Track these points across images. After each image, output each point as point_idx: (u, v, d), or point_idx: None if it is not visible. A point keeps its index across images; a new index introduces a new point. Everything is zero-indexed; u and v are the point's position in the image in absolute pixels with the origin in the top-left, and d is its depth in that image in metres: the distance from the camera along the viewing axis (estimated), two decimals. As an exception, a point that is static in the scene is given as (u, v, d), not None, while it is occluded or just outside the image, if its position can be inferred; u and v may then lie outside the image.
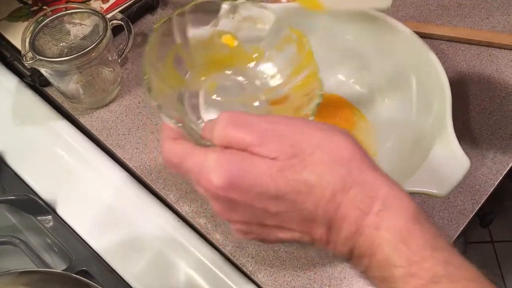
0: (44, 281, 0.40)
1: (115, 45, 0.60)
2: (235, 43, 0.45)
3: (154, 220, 0.52)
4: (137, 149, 0.57)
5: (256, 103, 0.45)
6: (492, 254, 1.29)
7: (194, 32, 0.44)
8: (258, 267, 0.49)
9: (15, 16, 0.65)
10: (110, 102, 0.60)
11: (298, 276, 0.49)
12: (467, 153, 0.42)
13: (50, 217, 0.52)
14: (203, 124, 0.40)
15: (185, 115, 0.42)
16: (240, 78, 0.46)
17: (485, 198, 0.52)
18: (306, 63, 0.43)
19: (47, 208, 0.52)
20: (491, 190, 0.53)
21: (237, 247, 0.50)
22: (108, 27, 0.54)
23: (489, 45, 0.63)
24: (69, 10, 0.57)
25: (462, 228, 0.51)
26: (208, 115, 0.42)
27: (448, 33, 0.64)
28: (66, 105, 0.61)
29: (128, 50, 0.61)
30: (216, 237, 0.51)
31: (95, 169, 0.55)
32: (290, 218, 0.31)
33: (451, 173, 0.41)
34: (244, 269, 0.49)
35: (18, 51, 0.61)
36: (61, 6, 0.59)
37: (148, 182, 0.54)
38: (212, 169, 0.31)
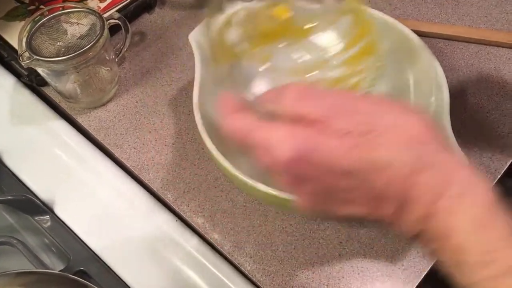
0: (41, 282, 0.40)
1: (113, 44, 0.60)
2: (289, 14, 0.43)
3: (151, 220, 0.52)
4: (134, 148, 0.57)
5: (309, 76, 0.43)
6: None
7: (247, 4, 0.42)
8: (257, 267, 0.49)
9: (12, 16, 0.65)
10: (108, 101, 0.60)
11: (297, 275, 0.49)
12: (465, 152, 0.42)
13: (47, 217, 0.52)
14: (256, 97, 0.38)
15: (238, 88, 0.40)
16: (293, 51, 0.44)
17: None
18: (362, 35, 0.41)
19: (45, 208, 0.52)
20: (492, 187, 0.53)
21: (235, 247, 0.50)
22: (105, 27, 0.54)
23: (487, 43, 0.63)
24: (66, 9, 0.57)
25: (460, 227, 0.51)
26: (261, 87, 0.41)
27: (446, 31, 0.64)
28: (64, 104, 0.60)
29: (125, 49, 0.61)
30: (214, 237, 0.51)
31: (93, 169, 0.55)
32: (360, 195, 0.30)
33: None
34: (242, 269, 0.49)
35: (15, 51, 0.60)
36: (58, 6, 0.59)
37: (146, 181, 0.54)
38: (280, 145, 0.30)
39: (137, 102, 0.60)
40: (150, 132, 0.58)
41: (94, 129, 0.58)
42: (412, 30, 0.50)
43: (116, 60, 0.60)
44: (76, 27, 0.57)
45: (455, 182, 0.29)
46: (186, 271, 0.49)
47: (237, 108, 0.33)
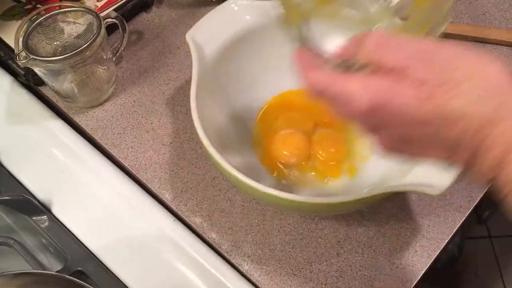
0: (38, 282, 0.40)
1: (110, 43, 0.60)
2: None
3: (149, 220, 0.52)
4: (132, 148, 0.56)
5: (378, 25, 0.43)
6: (490, 249, 1.29)
7: None
8: (254, 266, 0.49)
9: (8, 15, 0.64)
10: (105, 101, 0.60)
11: (295, 275, 0.49)
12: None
13: (45, 217, 0.52)
14: (332, 51, 0.38)
15: (312, 45, 0.41)
16: (358, 3, 0.44)
17: (481, 196, 0.52)
18: None
19: (42, 208, 0.52)
20: (487, 187, 0.53)
21: (233, 246, 0.50)
22: (102, 26, 0.54)
23: (486, 41, 0.63)
24: (62, 8, 0.56)
25: (459, 225, 0.51)
26: (333, 43, 0.41)
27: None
28: (61, 104, 0.60)
29: (122, 48, 0.61)
30: (212, 236, 0.51)
31: (90, 169, 0.55)
32: (434, 143, 0.32)
33: (446, 172, 0.41)
34: (240, 268, 0.49)
35: (12, 50, 0.60)
36: (55, 5, 0.58)
37: (144, 181, 0.54)
38: (357, 96, 0.31)
39: (134, 101, 0.60)
40: (147, 131, 0.58)
41: (92, 128, 0.58)
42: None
43: (114, 59, 0.60)
44: (73, 26, 0.57)
45: None
46: (184, 271, 0.49)
47: (313, 63, 0.35)
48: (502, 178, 0.30)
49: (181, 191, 0.53)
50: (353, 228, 0.51)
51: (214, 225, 0.51)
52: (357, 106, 0.31)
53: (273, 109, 0.56)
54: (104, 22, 0.56)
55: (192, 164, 0.55)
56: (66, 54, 0.52)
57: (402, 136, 0.32)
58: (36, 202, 0.52)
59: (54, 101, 0.61)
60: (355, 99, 0.31)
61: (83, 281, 0.48)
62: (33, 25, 0.54)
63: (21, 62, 0.52)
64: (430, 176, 0.41)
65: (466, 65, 0.31)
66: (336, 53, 0.35)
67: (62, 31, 0.57)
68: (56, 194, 0.54)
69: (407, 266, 0.49)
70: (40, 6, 0.64)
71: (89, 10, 0.55)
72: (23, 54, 0.52)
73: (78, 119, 0.59)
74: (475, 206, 0.52)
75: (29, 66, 0.53)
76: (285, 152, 0.53)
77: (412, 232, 0.50)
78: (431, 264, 0.49)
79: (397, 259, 0.49)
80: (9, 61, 0.61)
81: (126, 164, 0.55)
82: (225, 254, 0.50)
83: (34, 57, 0.52)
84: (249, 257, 0.49)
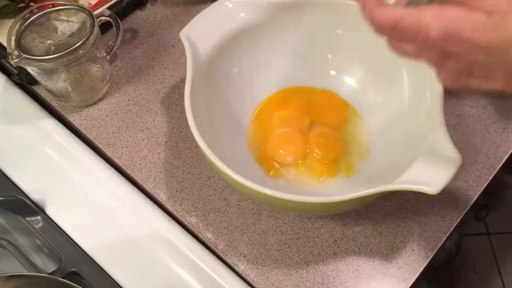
0: (31, 285, 0.39)
1: (104, 42, 0.59)
2: None
3: (144, 220, 0.51)
4: (126, 147, 0.56)
5: None
6: (488, 246, 1.29)
7: None
8: (250, 266, 0.49)
9: (1, 13, 0.64)
10: (99, 100, 0.60)
11: (291, 274, 0.48)
12: (460, 148, 0.42)
13: (39, 217, 0.52)
14: None
15: None
16: None
17: (478, 194, 0.52)
18: None
19: (36, 209, 0.52)
20: (485, 185, 0.53)
21: (229, 246, 0.50)
22: (96, 24, 0.54)
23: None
24: (55, 7, 0.56)
25: (456, 224, 0.51)
26: None
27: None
28: (55, 103, 0.60)
29: (117, 47, 0.60)
30: (208, 236, 0.50)
31: (84, 169, 0.55)
32: (497, 69, 0.34)
33: (443, 170, 0.40)
34: (236, 268, 0.49)
35: (5, 49, 0.59)
36: (48, 3, 0.57)
37: (138, 181, 0.54)
38: (429, 25, 0.33)
39: (129, 100, 0.60)
40: (142, 130, 0.57)
41: (86, 128, 0.58)
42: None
43: (108, 58, 0.60)
44: (66, 24, 0.57)
45: None
46: (179, 271, 0.48)
47: (381, 3, 0.37)
48: None
49: (176, 191, 0.53)
50: (350, 227, 0.50)
51: (209, 224, 0.51)
52: (430, 34, 0.33)
53: (268, 107, 0.56)
54: (98, 20, 0.55)
55: (187, 163, 0.55)
56: (59, 53, 0.51)
57: (468, 64, 0.35)
58: (30, 203, 0.52)
59: (48, 100, 0.60)
60: (429, 27, 0.33)
61: (78, 282, 0.47)
62: (26, 23, 0.54)
63: (14, 61, 0.51)
64: (427, 175, 0.41)
65: None
66: None
67: (55, 29, 0.57)
68: (50, 195, 0.53)
69: (404, 265, 0.48)
70: (33, 4, 0.63)
71: (82, 8, 0.55)
72: (16, 53, 0.51)
73: (72, 119, 0.58)
74: (473, 204, 0.52)
75: (21, 65, 0.52)
76: (281, 151, 0.53)
77: (409, 231, 0.50)
78: (428, 263, 0.49)
79: (394, 258, 0.49)
80: (2, 60, 0.60)
81: (120, 163, 0.55)
82: (221, 254, 0.49)
83: (26, 56, 0.51)
84: (245, 257, 0.49)
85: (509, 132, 0.56)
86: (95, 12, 0.58)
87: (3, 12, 0.64)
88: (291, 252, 0.49)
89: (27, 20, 0.54)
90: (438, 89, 0.46)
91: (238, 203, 0.52)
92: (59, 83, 0.57)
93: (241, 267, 0.49)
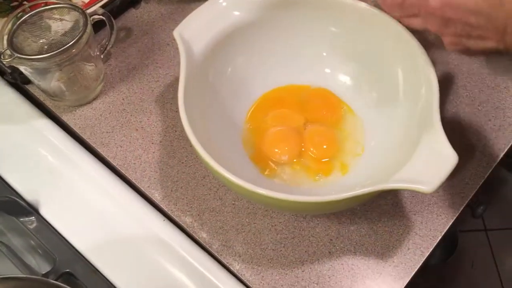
0: (23, 287, 0.39)
1: (98, 40, 0.59)
2: None
3: (139, 219, 0.51)
4: (121, 147, 0.56)
5: None
6: (486, 242, 1.29)
7: None
8: (245, 266, 0.48)
9: (-6, 12, 0.63)
10: (93, 99, 0.59)
11: (286, 274, 0.48)
12: (456, 146, 0.41)
13: (33, 218, 0.51)
14: None
15: None
16: None
17: (474, 192, 0.52)
18: None
19: (30, 209, 0.51)
20: (481, 183, 0.52)
21: (224, 246, 0.49)
22: (88, 23, 0.53)
23: (479, 35, 0.62)
24: (48, 5, 0.55)
25: (452, 222, 0.50)
26: None
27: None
28: (48, 103, 0.59)
29: (111, 45, 0.60)
30: (203, 236, 0.50)
31: (78, 168, 0.54)
32: (488, 29, 0.42)
33: (439, 169, 0.40)
34: (231, 268, 0.48)
35: (-2, 48, 0.59)
36: (41, 2, 0.57)
37: (133, 180, 0.54)
38: None
39: (123, 99, 0.59)
40: (136, 129, 0.57)
41: (80, 127, 0.57)
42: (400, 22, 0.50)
43: (102, 56, 0.59)
44: (59, 23, 0.56)
45: None
46: (174, 271, 0.48)
47: None
48: None
49: (171, 190, 0.53)
50: (345, 226, 0.50)
51: (204, 224, 0.51)
52: (430, 4, 0.43)
53: (263, 106, 0.55)
54: (91, 18, 0.55)
55: (182, 162, 0.54)
56: (51, 52, 0.51)
57: (464, 29, 0.43)
58: (24, 203, 0.51)
59: (42, 99, 0.60)
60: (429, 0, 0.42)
61: (72, 283, 0.48)
62: (19, 22, 0.53)
63: (6, 61, 0.50)
64: (423, 173, 0.41)
65: None
66: None
67: (48, 28, 0.56)
68: (44, 195, 0.53)
69: (400, 264, 0.48)
70: (26, 2, 0.63)
71: (75, 7, 0.54)
72: (8, 52, 0.51)
73: (66, 118, 0.58)
74: (470, 201, 0.52)
75: (14, 65, 0.52)
76: (276, 150, 0.53)
77: (405, 229, 0.50)
78: (424, 261, 0.49)
79: (389, 257, 0.48)
80: (-5, 60, 0.60)
81: (115, 163, 0.55)
82: (216, 254, 0.49)
83: (19, 55, 0.50)
84: (240, 256, 0.49)
85: (505, 130, 0.55)
86: (88, 11, 0.57)
87: (-4, 11, 0.64)
88: (287, 252, 0.49)
89: (19, 19, 0.54)
90: (434, 85, 0.45)
91: (233, 202, 0.52)
92: (53, 82, 0.56)
93: (236, 267, 0.48)
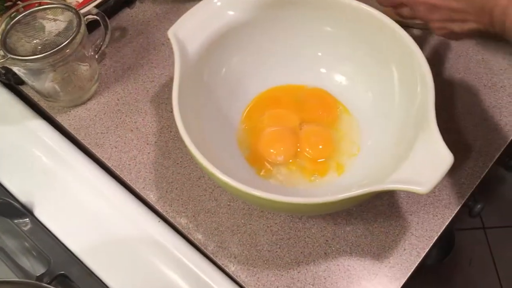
0: (14, 291, 0.39)
1: (92, 40, 0.58)
2: None
3: (134, 221, 0.51)
4: (116, 148, 0.55)
5: None
6: (484, 240, 1.29)
7: None
8: (241, 267, 0.48)
9: (-12, 12, 0.63)
10: (88, 100, 0.59)
11: (282, 275, 0.48)
12: (452, 146, 0.41)
13: (27, 220, 0.51)
14: None
15: None
16: None
17: (470, 192, 0.52)
18: None
19: (24, 211, 0.51)
20: (477, 183, 0.52)
21: (219, 247, 0.49)
22: (82, 23, 0.53)
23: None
24: (42, 5, 0.55)
25: (448, 222, 0.50)
26: None
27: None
28: (42, 103, 0.59)
29: (105, 46, 0.59)
30: (198, 237, 0.50)
31: (73, 170, 0.54)
32: (468, 11, 0.47)
33: (434, 169, 0.40)
34: (227, 269, 0.48)
35: (-9, 49, 0.59)
36: (34, 2, 0.57)
37: (128, 181, 0.53)
38: None
39: (118, 99, 0.59)
40: (131, 130, 0.56)
41: (74, 128, 0.57)
42: (396, 21, 0.49)
43: (96, 56, 0.59)
44: (53, 23, 0.56)
45: None
46: (169, 273, 0.48)
47: None
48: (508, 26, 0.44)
49: (166, 192, 0.52)
50: (341, 227, 0.50)
51: (199, 225, 0.50)
52: None
53: (258, 106, 0.55)
54: (85, 18, 0.54)
55: (177, 163, 0.54)
56: (45, 52, 0.50)
57: (448, 13, 0.48)
58: (18, 205, 0.51)
59: (36, 100, 0.59)
60: None
61: (67, 285, 0.47)
62: (12, 22, 0.53)
63: (-1, 61, 0.50)
64: (418, 174, 0.40)
65: None
66: None
67: (42, 28, 0.56)
68: (38, 196, 0.52)
69: (396, 265, 0.48)
70: (20, 2, 0.63)
71: (69, 7, 0.54)
72: (1, 53, 0.50)
73: (61, 119, 0.58)
74: (466, 200, 0.51)
75: (7, 65, 0.52)
76: (271, 150, 0.52)
77: (401, 230, 0.50)
78: (420, 261, 0.48)
79: (385, 258, 0.48)
80: (-11, 60, 0.59)
81: (109, 164, 0.54)
82: (211, 255, 0.49)
83: (12, 56, 0.50)
84: (235, 258, 0.49)
85: (501, 129, 0.55)
86: (82, 11, 0.57)
87: (-11, 11, 0.63)
88: (282, 253, 0.49)
89: (13, 19, 0.53)
90: (429, 85, 0.45)
91: (228, 203, 0.51)
92: (47, 83, 0.56)
93: (231, 268, 0.48)
